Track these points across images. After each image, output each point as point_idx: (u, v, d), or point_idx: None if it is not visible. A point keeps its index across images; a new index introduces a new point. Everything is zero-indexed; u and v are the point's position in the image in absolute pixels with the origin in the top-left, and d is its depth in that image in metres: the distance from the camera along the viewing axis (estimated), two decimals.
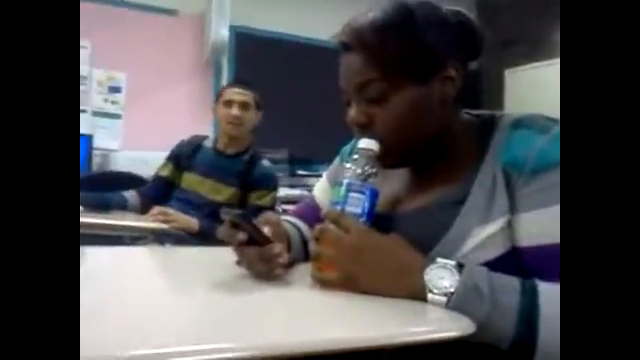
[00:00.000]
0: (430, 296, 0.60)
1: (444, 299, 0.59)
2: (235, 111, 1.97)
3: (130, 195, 2.03)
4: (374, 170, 0.71)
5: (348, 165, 0.72)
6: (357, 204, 0.69)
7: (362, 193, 0.69)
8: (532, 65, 3.84)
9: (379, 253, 0.65)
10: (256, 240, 0.71)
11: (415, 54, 0.69)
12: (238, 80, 2.42)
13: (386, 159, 0.73)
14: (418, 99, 0.70)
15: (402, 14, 0.70)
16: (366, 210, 0.69)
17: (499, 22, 4.05)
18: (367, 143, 0.71)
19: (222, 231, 0.73)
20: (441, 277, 0.61)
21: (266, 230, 0.75)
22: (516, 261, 0.63)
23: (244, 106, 1.98)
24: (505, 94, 4.06)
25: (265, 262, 0.71)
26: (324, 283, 0.67)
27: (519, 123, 0.69)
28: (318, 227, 0.69)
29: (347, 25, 0.73)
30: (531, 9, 4.04)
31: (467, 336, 0.53)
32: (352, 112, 0.73)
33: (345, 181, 0.71)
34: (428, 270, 0.62)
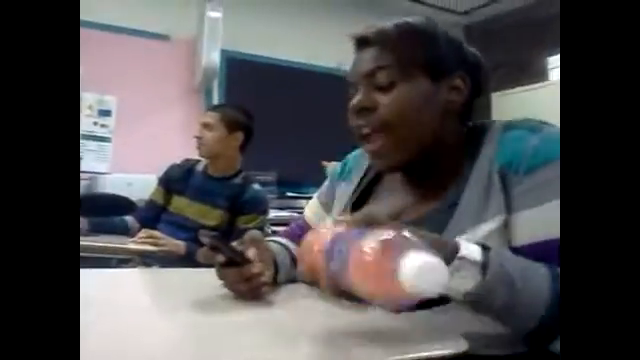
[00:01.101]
0: (465, 252, 0.56)
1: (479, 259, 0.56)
2: (196, 132, 2.00)
3: (131, 220, 2.04)
4: None
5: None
6: None
7: None
8: (519, 88, 3.90)
9: None
10: (235, 261, 0.71)
11: (429, 53, 0.72)
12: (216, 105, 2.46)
13: (384, 155, 0.74)
14: (425, 94, 0.72)
15: (422, 23, 0.75)
16: None
17: (487, 46, 4.13)
18: None
19: (202, 254, 0.74)
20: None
21: (251, 250, 0.74)
22: None
23: (204, 126, 1.99)
24: (492, 117, 4.11)
25: (246, 282, 0.70)
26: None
27: (510, 125, 0.71)
28: None
29: (369, 25, 0.76)
30: (518, 34, 4.14)
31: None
32: (357, 97, 0.74)
33: None
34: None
